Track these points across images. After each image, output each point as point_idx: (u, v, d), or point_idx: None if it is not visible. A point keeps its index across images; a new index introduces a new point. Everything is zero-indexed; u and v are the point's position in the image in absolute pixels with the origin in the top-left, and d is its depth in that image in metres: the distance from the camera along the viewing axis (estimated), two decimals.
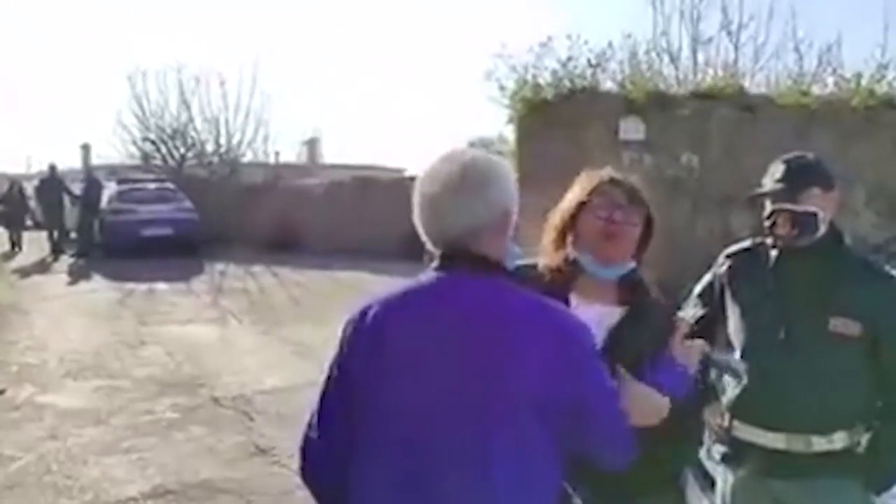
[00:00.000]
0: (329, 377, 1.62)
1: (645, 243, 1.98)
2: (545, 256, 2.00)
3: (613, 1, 30.97)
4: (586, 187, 1.96)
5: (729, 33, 10.47)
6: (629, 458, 1.63)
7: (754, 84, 9.19)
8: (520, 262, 2.07)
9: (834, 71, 5.54)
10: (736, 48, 10.64)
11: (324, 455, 1.61)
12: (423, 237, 1.61)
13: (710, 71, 8.35)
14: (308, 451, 1.64)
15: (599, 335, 1.83)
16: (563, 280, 1.92)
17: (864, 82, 5.25)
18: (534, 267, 1.99)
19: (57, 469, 4.71)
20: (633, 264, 1.95)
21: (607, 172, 2.00)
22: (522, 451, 1.48)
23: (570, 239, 1.96)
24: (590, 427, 1.56)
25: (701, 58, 10.25)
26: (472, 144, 13.85)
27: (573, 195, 1.98)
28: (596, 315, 1.86)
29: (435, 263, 1.60)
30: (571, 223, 1.96)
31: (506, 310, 1.52)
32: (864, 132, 5.02)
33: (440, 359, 1.49)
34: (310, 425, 1.64)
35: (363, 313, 1.59)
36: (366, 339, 1.57)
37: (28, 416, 5.70)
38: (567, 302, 1.87)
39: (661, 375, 1.74)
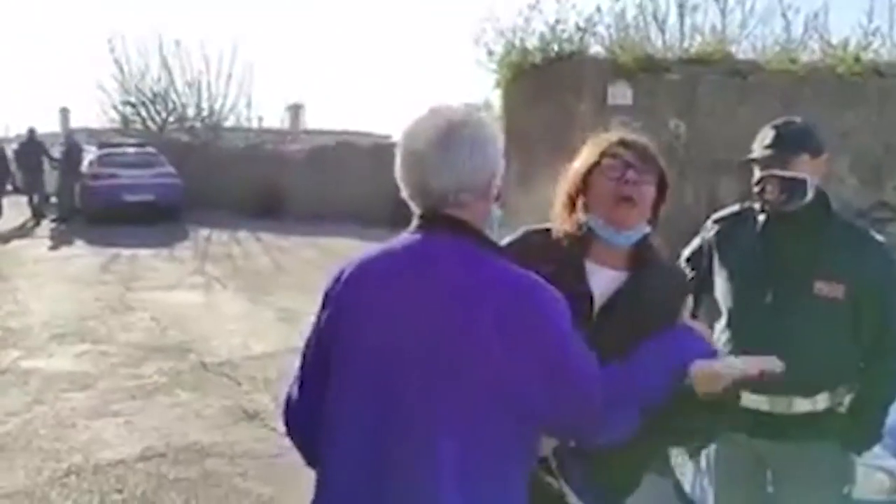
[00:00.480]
0: (308, 340, 1.64)
1: (658, 206, 1.91)
2: (558, 221, 1.93)
3: None
4: (597, 149, 1.89)
5: None
6: (612, 438, 1.56)
7: (741, 51, 9.21)
8: (531, 227, 2.03)
9: (821, 38, 5.55)
10: (723, 14, 10.60)
11: (303, 411, 1.63)
12: (404, 194, 1.58)
13: (699, 37, 8.35)
14: (289, 407, 1.67)
15: (603, 298, 1.82)
16: (577, 245, 1.87)
17: (850, 49, 5.27)
18: (546, 231, 1.94)
19: (45, 433, 4.72)
20: (647, 229, 1.88)
21: (618, 134, 1.93)
22: (473, 417, 1.44)
23: (580, 203, 1.90)
24: (559, 399, 1.47)
25: (688, 23, 10.22)
26: None
27: (583, 157, 1.91)
28: (608, 279, 1.85)
29: (413, 224, 1.58)
30: (583, 187, 1.90)
31: (476, 275, 1.48)
32: (849, 99, 5.04)
33: (407, 317, 1.47)
34: (292, 384, 1.67)
35: (340, 272, 1.60)
36: (340, 296, 1.57)
37: (13, 381, 5.69)
38: (582, 267, 1.84)
39: (685, 342, 1.67)
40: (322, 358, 1.58)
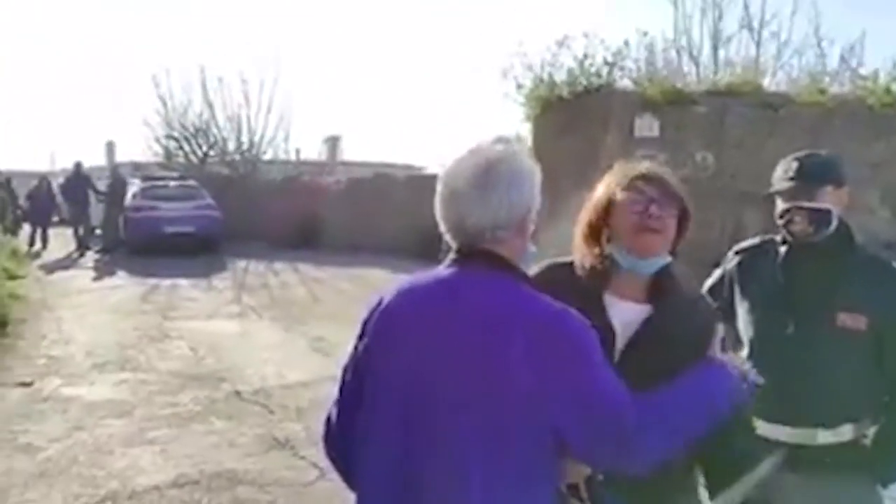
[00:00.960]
0: (347, 362, 1.69)
1: (680, 236, 1.90)
2: (578, 253, 1.94)
3: (632, 1, 30.78)
4: (619, 182, 1.89)
5: (750, 30, 10.45)
6: (645, 465, 1.58)
7: (774, 82, 9.20)
8: (554, 260, 2.07)
9: (853, 70, 5.52)
10: (758, 45, 10.60)
11: (340, 437, 1.69)
12: (443, 230, 1.63)
13: (728, 69, 8.37)
14: (328, 433, 1.73)
15: (629, 330, 1.82)
16: (598, 278, 1.87)
17: (880, 81, 5.25)
18: (569, 265, 1.94)
19: (83, 459, 4.84)
20: (668, 258, 1.87)
21: (639, 167, 1.93)
22: (502, 444, 1.48)
23: (604, 236, 1.90)
24: (589, 425, 1.51)
25: (722, 55, 10.24)
26: (496, 142, 13.84)
27: (605, 190, 1.92)
28: (629, 312, 1.85)
29: (450, 258, 1.63)
30: (605, 219, 1.90)
31: (507, 306, 1.53)
32: (880, 131, 5.02)
33: (439, 347, 1.52)
34: (331, 409, 1.73)
35: (378, 302, 1.66)
36: (376, 325, 1.63)
37: (55, 408, 5.84)
38: (601, 301, 1.84)
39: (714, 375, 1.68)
40: (357, 385, 1.64)
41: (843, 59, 9.67)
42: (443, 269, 1.63)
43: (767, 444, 2.41)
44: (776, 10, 10.86)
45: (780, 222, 2.43)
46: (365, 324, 1.66)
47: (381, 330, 1.62)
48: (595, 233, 1.92)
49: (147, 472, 4.64)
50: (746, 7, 10.63)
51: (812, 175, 2.35)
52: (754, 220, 2.27)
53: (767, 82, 6.01)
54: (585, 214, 1.95)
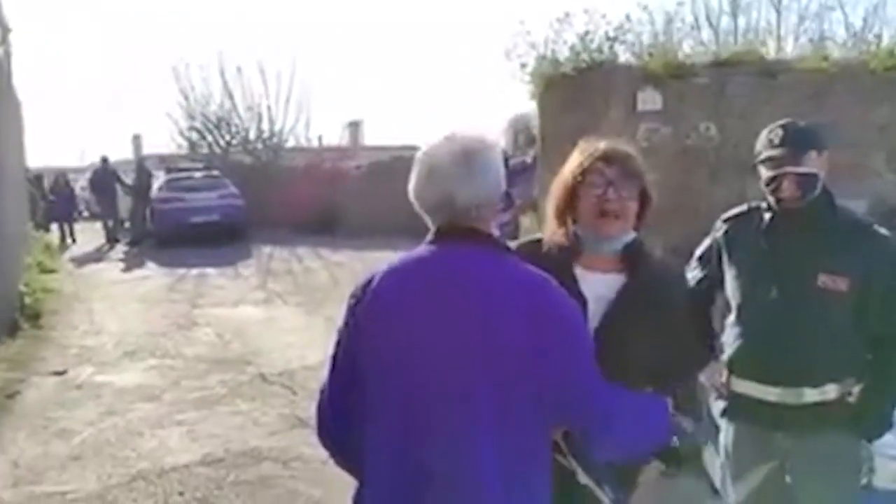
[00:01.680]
0: (337, 344, 1.75)
1: (643, 212, 2.00)
2: (549, 229, 2.04)
3: None
4: (581, 165, 1.98)
5: None
6: (615, 452, 1.74)
7: (798, 46, 9.09)
8: (524, 238, 2.18)
9: (854, 34, 5.50)
10: (778, 12, 10.46)
11: (333, 415, 1.76)
12: (422, 208, 1.70)
13: (742, 38, 8.31)
14: (321, 412, 1.79)
15: (602, 303, 1.91)
16: (568, 253, 1.97)
17: (883, 45, 5.22)
18: (537, 241, 2.05)
19: (115, 441, 5.07)
20: (632, 235, 1.98)
21: (600, 147, 2.00)
22: (507, 402, 1.59)
23: (570, 215, 2.00)
24: (573, 400, 1.65)
25: (741, 22, 10.12)
26: (513, 121, 13.87)
27: (569, 171, 2.00)
28: (599, 284, 1.93)
29: (432, 236, 1.71)
30: (570, 200, 1.99)
31: (502, 279, 1.64)
32: (884, 94, 5.00)
33: (441, 324, 1.60)
34: (322, 389, 1.78)
35: (368, 281, 1.71)
36: (370, 306, 1.68)
37: (88, 395, 6.10)
38: (572, 273, 1.93)
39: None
40: (350, 365, 1.70)
41: (867, 20, 9.55)
42: (429, 247, 1.70)
43: (759, 406, 2.51)
44: None
45: (767, 189, 2.50)
46: (355, 303, 1.71)
47: (374, 309, 1.67)
48: (562, 214, 2.02)
49: (175, 452, 4.84)
50: None
51: (797, 141, 2.42)
52: (759, 189, 2.33)
53: (789, 47, 6.02)
54: (553, 194, 2.05)
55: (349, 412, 1.71)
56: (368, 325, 1.68)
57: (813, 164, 2.42)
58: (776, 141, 2.46)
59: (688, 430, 1.95)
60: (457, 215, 1.67)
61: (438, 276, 1.65)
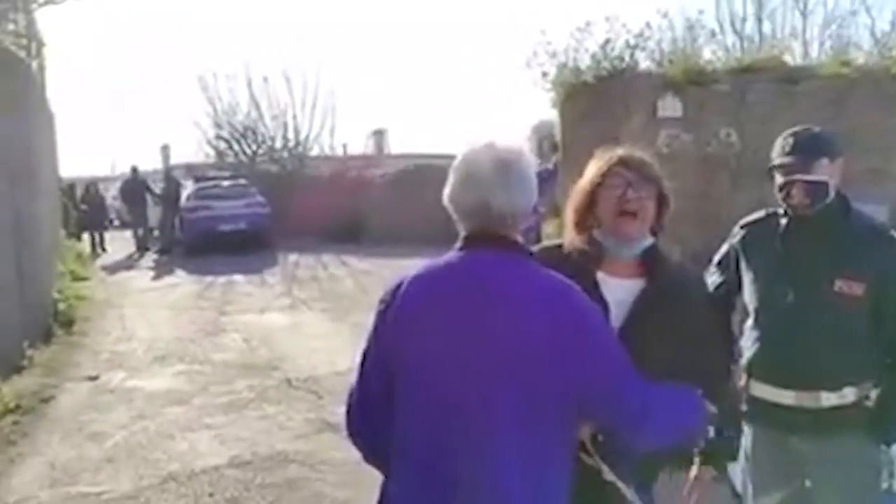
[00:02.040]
0: (367, 347, 1.81)
1: (661, 216, 2.05)
2: (569, 236, 2.08)
3: None
4: (599, 170, 2.04)
5: (796, 0, 10.26)
6: (651, 443, 1.79)
7: (824, 51, 9.05)
8: (544, 243, 2.24)
9: (877, 41, 5.48)
10: (804, 16, 10.42)
11: (362, 416, 1.82)
12: (457, 212, 1.76)
13: (767, 44, 8.28)
14: (350, 413, 1.85)
15: (623, 308, 1.95)
16: (590, 259, 2.01)
17: None
18: (558, 247, 2.09)
19: (146, 444, 5.19)
20: (651, 240, 2.03)
21: (618, 153, 2.06)
22: (531, 406, 1.63)
23: (590, 221, 2.04)
24: (605, 397, 1.70)
25: (767, 27, 10.10)
26: (536, 128, 13.88)
27: (588, 177, 2.06)
28: (620, 289, 1.97)
29: (464, 242, 1.76)
30: (590, 205, 2.04)
31: (531, 286, 1.69)
32: None
33: (472, 328, 1.65)
34: (352, 390, 1.85)
35: (398, 285, 1.77)
36: (402, 309, 1.73)
37: (120, 399, 6.25)
38: (594, 279, 1.97)
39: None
40: (382, 367, 1.75)
41: (892, 24, 9.47)
42: (458, 253, 1.76)
43: (777, 410, 2.54)
44: None
45: (779, 195, 2.55)
46: (384, 307, 1.77)
47: (403, 313, 1.73)
48: (582, 219, 2.07)
49: (205, 455, 4.95)
50: None
51: (807, 149, 2.45)
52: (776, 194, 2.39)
53: (814, 52, 6.01)
54: (573, 201, 2.10)
55: (378, 413, 1.76)
56: (397, 328, 1.73)
57: (824, 171, 2.44)
58: (787, 148, 2.49)
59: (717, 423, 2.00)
60: (491, 222, 1.72)
61: (466, 282, 1.71)
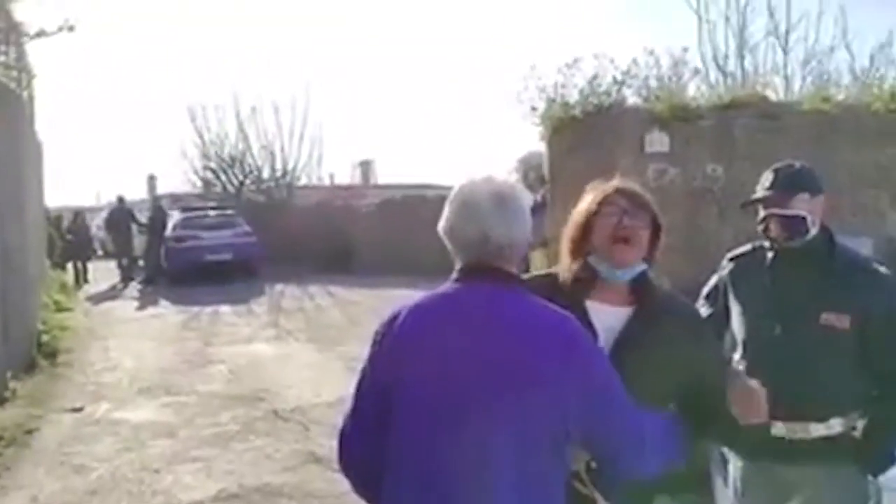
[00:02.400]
0: (362, 377, 1.82)
1: (654, 245, 2.07)
2: (564, 263, 2.10)
3: (639, 21, 30.89)
4: (595, 198, 2.07)
5: (777, 37, 10.51)
6: (642, 471, 1.81)
7: (805, 87, 9.24)
8: (537, 272, 2.28)
9: (856, 79, 5.63)
10: (785, 51, 10.66)
11: (356, 446, 1.82)
12: (455, 244, 1.79)
13: (750, 80, 8.46)
14: (345, 446, 1.85)
15: (612, 334, 1.97)
16: (580, 286, 2.03)
17: (886, 86, 5.34)
18: (549, 276, 2.12)
19: (132, 477, 5.13)
20: (644, 266, 2.04)
21: (613, 184, 2.10)
22: (527, 436, 1.65)
23: (585, 249, 2.06)
24: (604, 426, 1.73)
25: (748, 63, 10.32)
26: (523, 160, 14.00)
27: (584, 206, 2.09)
28: (609, 316, 2.00)
29: (461, 273, 1.78)
30: (584, 232, 2.07)
31: (529, 317, 1.72)
32: (887, 135, 5.11)
33: (470, 360, 1.67)
34: (345, 420, 1.85)
35: (395, 316, 1.78)
36: (401, 340, 1.75)
37: (105, 431, 6.18)
38: (584, 307, 1.99)
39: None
40: (378, 397, 1.75)
41: (873, 60, 9.69)
42: (454, 284, 1.79)
43: (767, 441, 2.56)
44: (803, 13, 10.92)
45: (759, 228, 2.61)
46: (382, 339, 1.78)
47: (401, 343, 1.74)
48: (577, 247, 2.10)
49: (191, 488, 4.90)
50: (771, 13, 10.71)
51: (786, 184, 2.52)
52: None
53: (796, 86, 6.12)
54: (568, 231, 2.13)
55: (372, 445, 1.76)
56: (393, 358, 1.75)
57: (803, 206, 2.49)
58: (766, 184, 2.56)
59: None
60: (488, 253, 1.75)
61: (463, 312, 1.73)
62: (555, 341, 1.70)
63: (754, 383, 2.04)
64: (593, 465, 1.87)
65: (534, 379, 1.66)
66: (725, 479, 3.02)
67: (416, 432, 1.70)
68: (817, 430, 2.53)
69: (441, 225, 1.81)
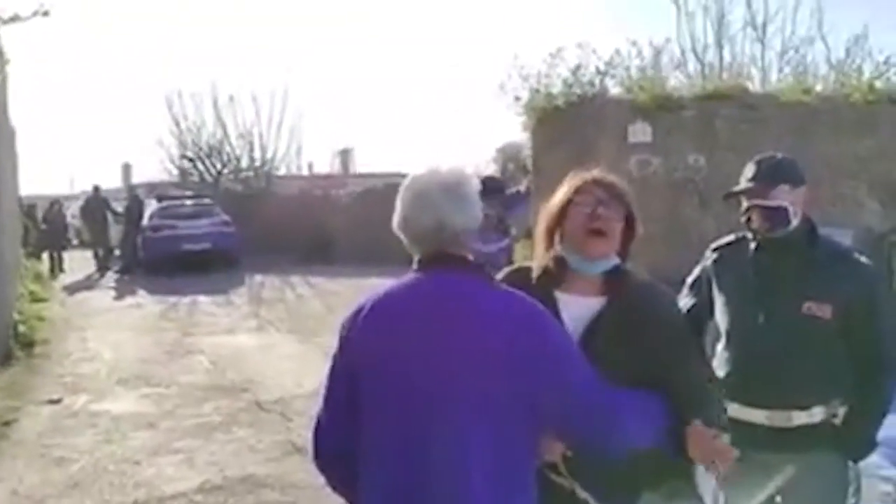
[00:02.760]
0: (331, 370, 1.83)
1: (628, 239, 2.03)
2: (538, 253, 2.08)
3: (621, 11, 31.04)
4: (571, 187, 2.04)
5: (755, 28, 10.61)
6: (623, 446, 1.79)
7: (781, 78, 9.33)
8: (517, 264, 2.26)
9: (835, 69, 5.69)
10: (762, 42, 10.76)
11: (329, 440, 1.83)
12: (411, 234, 1.79)
13: (727, 70, 8.53)
14: (317, 437, 1.86)
15: (581, 324, 1.94)
16: (551, 277, 2.01)
17: (864, 78, 5.41)
18: (526, 268, 2.10)
19: (113, 469, 5.09)
20: (616, 260, 2.01)
21: (591, 173, 2.06)
22: (498, 418, 1.67)
23: (557, 237, 2.03)
24: (567, 400, 1.73)
25: (727, 55, 10.40)
26: (502, 150, 14.04)
27: (559, 195, 2.06)
28: (579, 306, 1.98)
29: (422, 263, 1.79)
30: (559, 221, 2.03)
31: (492, 304, 1.74)
32: (865, 126, 5.17)
33: (438, 347, 1.69)
34: (318, 416, 1.85)
35: (360, 309, 1.80)
36: (366, 332, 1.77)
37: (84, 423, 6.11)
38: (553, 297, 1.97)
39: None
40: (348, 390, 1.77)
41: (849, 52, 9.81)
42: (417, 274, 1.79)
43: (750, 429, 2.60)
44: (780, 5, 11.04)
45: (742, 219, 2.63)
46: (348, 332, 1.80)
47: (367, 335, 1.76)
48: (550, 234, 2.07)
49: (173, 480, 4.87)
50: (749, 5, 10.80)
51: (768, 175, 2.53)
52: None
53: (773, 77, 6.21)
54: (542, 220, 2.11)
55: (345, 437, 1.78)
56: (362, 350, 1.76)
57: (784, 197, 2.51)
58: (748, 175, 2.58)
59: None
60: (444, 241, 1.77)
61: (426, 300, 1.75)
62: (515, 323, 1.71)
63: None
64: (570, 454, 1.87)
65: (497, 362, 1.68)
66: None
67: (386, 426, 1.72)
68: (799, 418, 2.56)
69: (395, 219, 1.82)
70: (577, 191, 2.03)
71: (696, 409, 1.92)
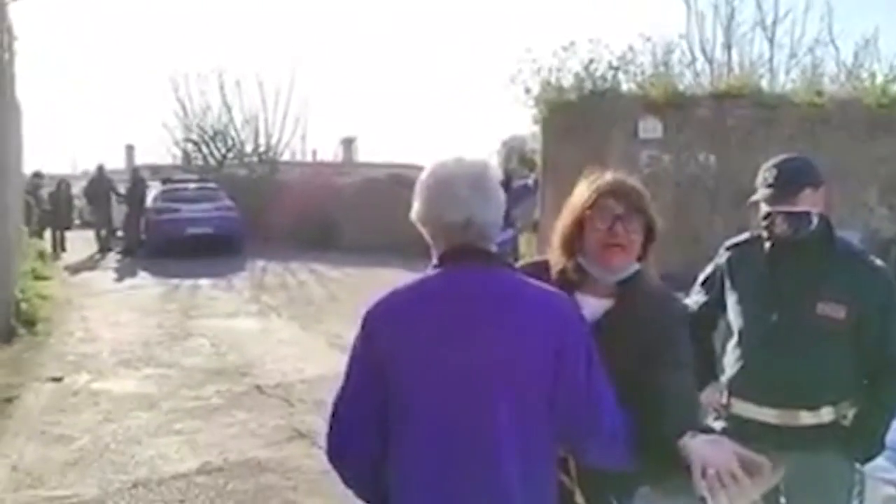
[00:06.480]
0: (354, 364, 1.74)
1: (647, 247, 2.00)
2: (555, 257, 2.06)
3: (635, 7, 30.96)
4: (589, 199, 1.99)
5: (764, 28, 10.58)
6: (626, 456, 1.75)
7: (790, 80, 9.31)
8: (531, 259, 2.25)
9: (849, 73, 5.67)
10: (771, 43, 10.72)
11: (355, 435, 1.74)
12: (437, 228, 1.75)
13: (736, 70, 8.51)
14: (340, 430, 1.76)
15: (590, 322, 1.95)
16: (571, 281, 1.99)
17: (877, 82, 5.39)
18: (543, 262, 2.08)
19: (114, 448, 5.10)
20: (636, 267, 1.98)
21: (607, 179, 2.01)
22: (528, 418, 1.66)
23: (577, 245, 2.01)
24: (580, 405, 1.70)
25: (735, 54, 10.37)
26: (507, 142, 14.00)
27: (576, 202, 2.02)
28: (590, 306, 1.96)
29: (441, 259, 1.75)
30: (577, 231, 2.01)
31: (515, 290, 1.73)
32: (877, 130, 5.16)
33: (457, 337, 1.66)
34: (339, 407, 1.76)
35: (384, 304, 1.75)
36: (389, 329, 1.71)
37: (85, 402, 6.12)
38: (574, 298, 1.95)
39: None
40: (376, 389, 1.70)
41: (857, 56, 9.78)
42: (443, 268, 1.75)
43: (757, 427, 2.60)
44: (790, 6, 11.01)
45: (762, 224, 2.61)
46: (374, 327, 1.73)
47: (407, 333, 1.70)
48: (568, 243, 2.04)
49: (174, 461, 4.88)
50: (759, 5, 10.77)
51: (790, 180, 2.50)
52: (756, 218, 2.43)
53: (782, 79, 6.20)
54: (561, 222, 2.07)
55: (373, 437, 1.72)
56: (395, 348, 1.70)
57: (807, 200, 2.49)
58: (770, 180, 2.54)
59: None
60: (472, 236, 1.74)
61: (457, 297, 1.71)
62: (547, 319, 1.70)
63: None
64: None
65: (532, 358, 1.66)
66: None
67: (420, 424, 1.68)
68: (808, 418, 2.57)
69: (417, 211, 1.78)
70: (594, 205, 1.98)
71: (677, 416, 1.85)
